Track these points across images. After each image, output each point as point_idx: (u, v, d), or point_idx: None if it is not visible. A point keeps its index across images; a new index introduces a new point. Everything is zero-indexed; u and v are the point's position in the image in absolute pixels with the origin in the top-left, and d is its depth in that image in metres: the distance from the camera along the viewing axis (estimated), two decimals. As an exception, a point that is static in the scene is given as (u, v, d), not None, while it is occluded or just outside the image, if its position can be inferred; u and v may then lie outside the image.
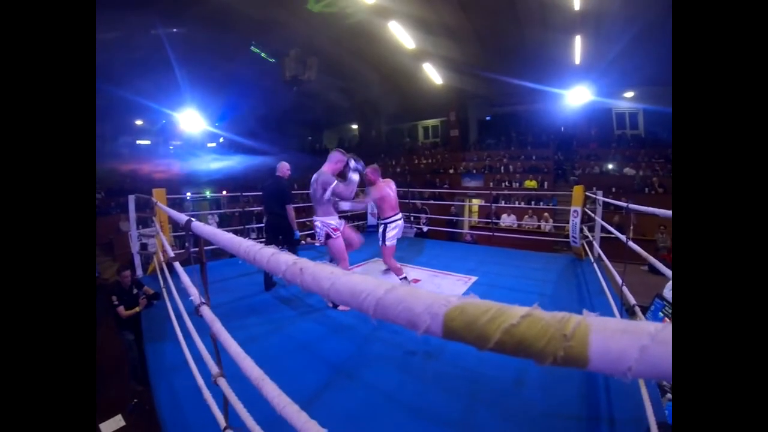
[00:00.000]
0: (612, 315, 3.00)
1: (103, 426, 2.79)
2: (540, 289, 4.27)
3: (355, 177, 3.65)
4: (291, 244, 4.33)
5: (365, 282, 0.36)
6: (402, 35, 11.11)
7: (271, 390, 0.75)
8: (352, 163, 3.66)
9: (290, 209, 4.28)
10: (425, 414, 2.09)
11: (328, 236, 3.63)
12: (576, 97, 13.40)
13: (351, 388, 2.38)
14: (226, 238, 0.75)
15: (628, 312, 2.63)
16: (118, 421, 2.84)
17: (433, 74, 14.18)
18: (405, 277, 4.19)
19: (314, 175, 3.62)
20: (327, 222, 3.61)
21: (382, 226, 4.27)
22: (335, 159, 3.62)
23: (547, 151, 15.12)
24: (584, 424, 1.98)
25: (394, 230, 4.24)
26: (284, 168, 4.50)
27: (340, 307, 3.47)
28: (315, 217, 3.70)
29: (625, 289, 2.62)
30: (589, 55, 11.37)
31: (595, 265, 4.63)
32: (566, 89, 13.22)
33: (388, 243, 4.23)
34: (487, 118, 18.26)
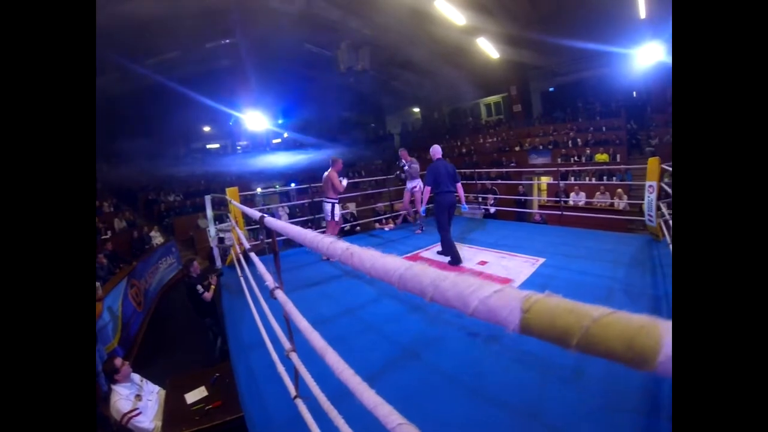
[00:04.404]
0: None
1: (187, 396, 3.19)
2: (611, 272, 4.04)
3: None
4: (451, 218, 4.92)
5: (393, 261, 0.45)
6: (450, 12, 10.83)
7: (332, 357, 0.87)
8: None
9: (460, 186, 4.96)
10: (483, 395, 2.15)
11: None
12: (647, 57, 11.91)
13: (413, 367, 2.51)
14: (294, 230, 0.89)
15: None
16: (201, 391, 3.23)
17: (488, 49, 13.69)
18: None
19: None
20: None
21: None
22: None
23: (618, 120, 13.91)
24: (643, 420, 1.90)
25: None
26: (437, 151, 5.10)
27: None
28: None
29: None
30: (656, 7, 10.18)
31: (671, 247, 4.28)
32: (634, 48, 11.82)
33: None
34: (551, 89, 17.29)
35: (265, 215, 1.31)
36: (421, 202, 6.35)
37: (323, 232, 4.67)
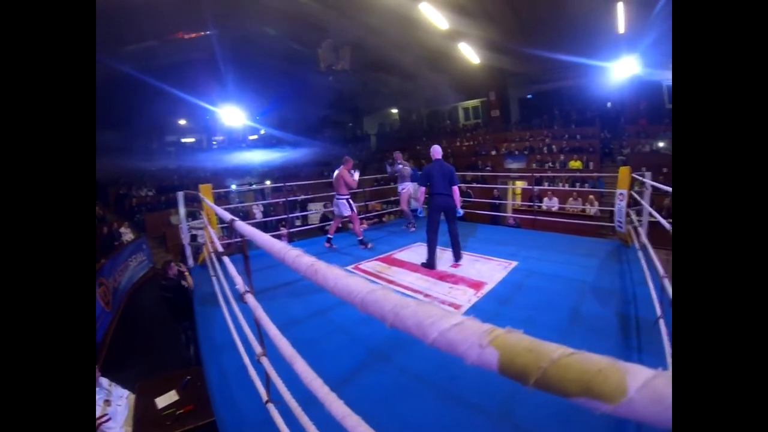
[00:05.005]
0: (652, 307, 2.92)
1: (158, 400, 3.10)
2: (581, 276, 4.16)
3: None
4: (452, 220, 4.79)
5: (357, 283, 0.45)
6: (434, 16, 10.90)
7: (301, 366, 0.86)
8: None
9: (456, 189, 4.76)
10: (454, 397, 2.17)
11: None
12: (622, 70, 12.47)
13: (384, 369, 2.50)
14: (263, 239, 0.88)
15: (671, 305, 2.51)
16: (172, 395, 3.14)
17: (470, 54, 13.85)
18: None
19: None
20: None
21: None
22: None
23: (592, 129, 14.39)
24: (613, 419, 1.95)
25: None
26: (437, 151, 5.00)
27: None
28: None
29: (666, 280, 2.52)
30: (634, 24, 10.56)
31: (640, 252, 4.44)
32: (611, 62, 12.34)
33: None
34: (529, 96, 17.65)
35: (236, 219, 1.29)
36: (409, 202, 6.69)
37: (340, 224, 6.00)
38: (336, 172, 5.68)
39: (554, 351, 0.31)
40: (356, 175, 5.71)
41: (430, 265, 4.63)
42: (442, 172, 4.66)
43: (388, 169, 6.97)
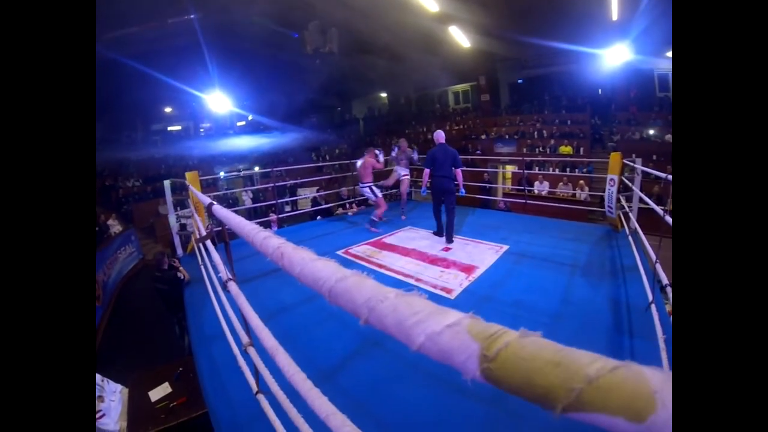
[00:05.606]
0: (643, 292, 2.92)
1: (151, 393, 3.06)
2: (571, 260, 4.17)
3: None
4: (449, 204, 4.97)
5: (325, 269, 0.39)
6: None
7: (283, 359, 0.81)
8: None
9: (459, 172, 5.05)
10: (447, 382, 2.15)
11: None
12: (614, 57, 12.40)
13: (377, 356, 2.49)
14: (236, 221, 0.82)
15: (662, 290, 2.51)
16: (165, 388, 3.10)
17: (460, 38, 13.65)
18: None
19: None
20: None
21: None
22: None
23: (582, 115, 14.35)
24: None
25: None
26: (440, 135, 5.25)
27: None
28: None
29: (658, 266, 2.51)
30: (627, 11, 10.47)
31: (630, 238, 4.46)
32: (603, 48, 12.25)
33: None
34: (519, 81, 17.49)
35: (214, 203, 1.23)
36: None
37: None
38: (359, 162, 5.91)
39: (590, 365, 0.22)
40: (381, 157, 5.94)
41: (437, 233, 5.19)
42: (445, 156, 4.88)
43: (392, 155, 6.85)
